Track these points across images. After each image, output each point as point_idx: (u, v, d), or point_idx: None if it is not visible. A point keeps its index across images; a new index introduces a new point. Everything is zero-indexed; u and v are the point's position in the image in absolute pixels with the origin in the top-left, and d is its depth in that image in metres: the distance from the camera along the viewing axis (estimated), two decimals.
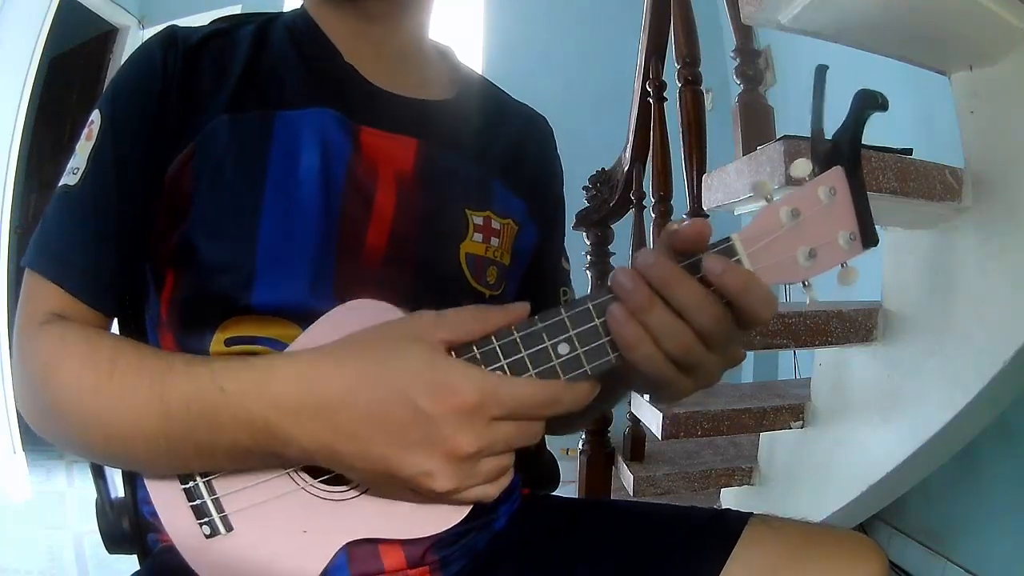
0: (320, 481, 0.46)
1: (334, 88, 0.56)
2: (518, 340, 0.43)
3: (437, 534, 0.47)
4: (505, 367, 0.43)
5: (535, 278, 0.67)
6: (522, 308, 0.44)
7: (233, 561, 0.46)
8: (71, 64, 3.26)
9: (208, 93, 0.52)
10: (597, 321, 0.42)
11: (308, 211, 0.51)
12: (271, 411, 0.41)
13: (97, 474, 0.62)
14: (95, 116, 0.53)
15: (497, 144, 0.64)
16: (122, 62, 0.56)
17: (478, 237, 0.58)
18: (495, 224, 0.59)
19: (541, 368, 0.43)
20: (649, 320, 0.40)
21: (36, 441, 2.60)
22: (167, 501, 0.47)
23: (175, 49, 0.53)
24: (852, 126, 0.41)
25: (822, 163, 0.42)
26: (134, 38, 3.14)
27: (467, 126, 0.62)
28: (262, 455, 0.43)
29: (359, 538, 0.47)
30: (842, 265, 0.42)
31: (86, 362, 0.45)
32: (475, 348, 0.43)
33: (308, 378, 0.42)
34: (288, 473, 0.46)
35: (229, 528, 0.46)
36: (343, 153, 0.53)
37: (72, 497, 2.40)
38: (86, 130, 0.53)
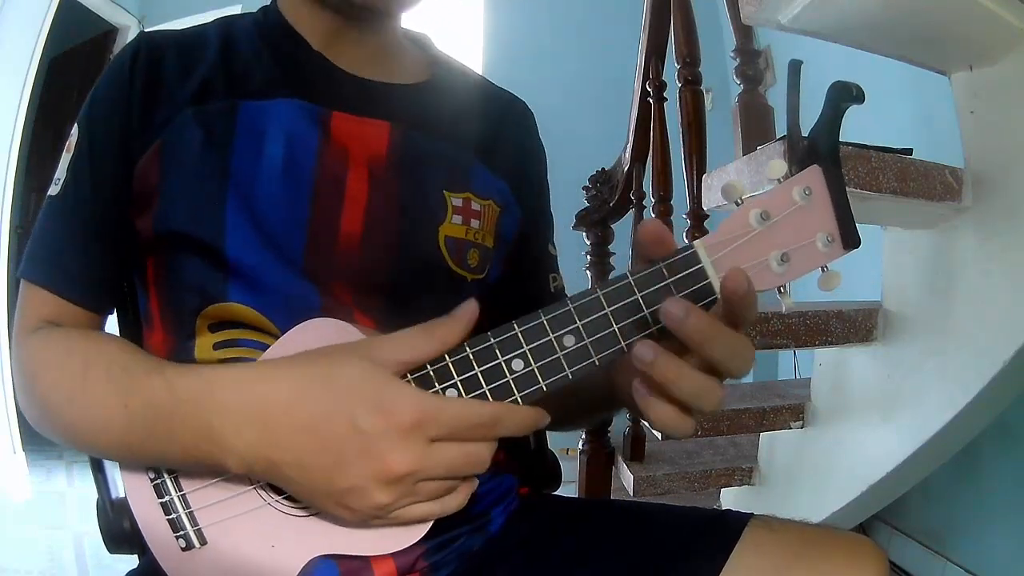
0: (284, 498, 0.46)
1: (302, 75, 0.56)
2: (471, 357, 0.42)
3: (426, 541, 0.47)
4: (459, 384, 0.42)
5: (522, 264, 0.66)
6: (471, 308, 0.43)
7: (209, 574, 0.47)
8: (71, 64, 3.26)
9: (174, 91, 0.54)
10: (552, 336, 0.41)
11: (275, 200, 0.52)
12: (214, 417, 0.42)
13: (97, 474, 0.62)
14: (73, 130, 0.55)
15: (475, 126, 0.63)
16: None
17: (457, 219, 0.57)
18: (475, 205, 0.59)
19: (495, 385, 0.42)
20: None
21: (36, 441, 2.62)
22: (146, 514, 0.47)
23: (141, 55, 0.55)
24: (828, 121, 0.39)
25: (799, 162, 0.40)
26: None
27: (442, 108, 0.61)
28: (210, 464, 0.43)
29: (322, 554, 0.46)
30: (822, 269, 0.40)
31: (63, 373, 0.48)
32: (428, 367, 0.42)
33: (251, 387, 0.42)
34: (255, 489, 0.46)
35: (203, 541, 0.46)
36: (310, 142, 0.53)
37: (72, 497, 2.40)
38: (66, 143, 0.55)
